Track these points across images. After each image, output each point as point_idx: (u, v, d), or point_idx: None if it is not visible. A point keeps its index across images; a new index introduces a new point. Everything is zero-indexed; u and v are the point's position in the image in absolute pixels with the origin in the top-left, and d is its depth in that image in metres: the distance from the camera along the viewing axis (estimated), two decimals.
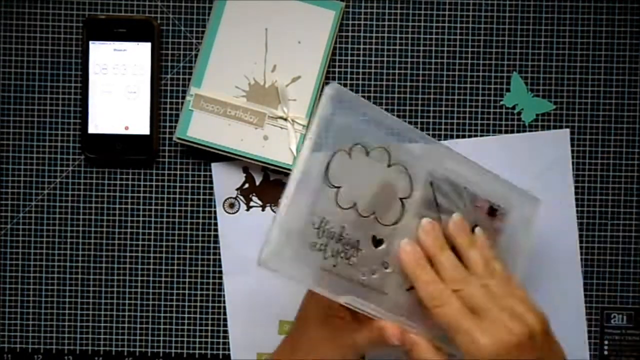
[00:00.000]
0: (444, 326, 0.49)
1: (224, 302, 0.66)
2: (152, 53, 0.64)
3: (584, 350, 0.65)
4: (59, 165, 0.66)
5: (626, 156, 0.66)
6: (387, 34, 0.66)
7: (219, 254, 0.66)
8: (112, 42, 0.64)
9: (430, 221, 0.52)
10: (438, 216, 0.53)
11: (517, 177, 0.65)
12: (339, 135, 0.50)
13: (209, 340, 0.66)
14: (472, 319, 0.48)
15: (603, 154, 0.66)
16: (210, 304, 0.66)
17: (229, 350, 0.66)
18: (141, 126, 0.65)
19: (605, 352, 0.66)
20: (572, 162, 0.66)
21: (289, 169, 0.64)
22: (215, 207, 0.66)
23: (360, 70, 0.66)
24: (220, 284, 0.66)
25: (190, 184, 0.66)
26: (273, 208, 0.66)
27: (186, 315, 0.66)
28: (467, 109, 0.66)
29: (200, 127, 0.64)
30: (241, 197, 0.66)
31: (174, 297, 0.66)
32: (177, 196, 0.66)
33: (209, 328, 0.66)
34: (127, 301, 0.66)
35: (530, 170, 0.65)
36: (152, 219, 0.66)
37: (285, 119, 0.64)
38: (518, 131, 0.66)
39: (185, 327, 0.66)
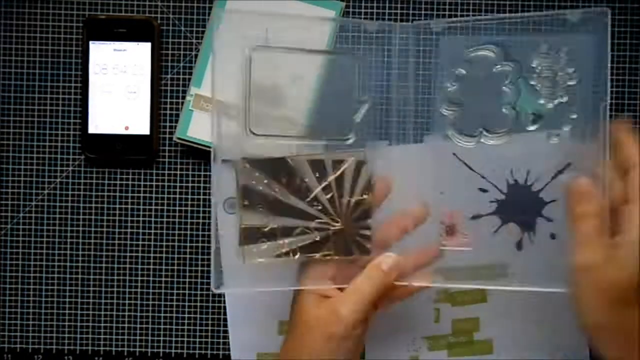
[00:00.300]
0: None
1: (224, 302, 0.66)
2: (152, 53, 0.64)
3: (584, 350, 0.65)
4: (59, 165, 0.66)
5: None
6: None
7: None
8: (112, 42, 0.64)
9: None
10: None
11: (517, 176, 0.65)
12: None
13: (209, 340, 0.66)
14: None
15: None
16: (210, 304, 0.66)
17: (229, 350, 0.66)
18: (141, 126, 0.65)
19: None
20: None
21: None
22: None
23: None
24: None
25: (190, 184, 0.66)
26: None
27: (186, 315, 0.66)
28: None
29: (200, 127, 0.64)
30: None
31: (174, 297, 0.66)
32: (177, 196, 0.66)
33: (209, 328, 0.66)
34: (127, 301, 0.66)
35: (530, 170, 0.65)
36: (152, 219, 0.66)
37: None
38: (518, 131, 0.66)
39: (185, 327, 0.66)
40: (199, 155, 0.65)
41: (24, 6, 0.66)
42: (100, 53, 0.64)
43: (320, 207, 0.54)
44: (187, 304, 0.66)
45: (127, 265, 0.66)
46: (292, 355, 0.53)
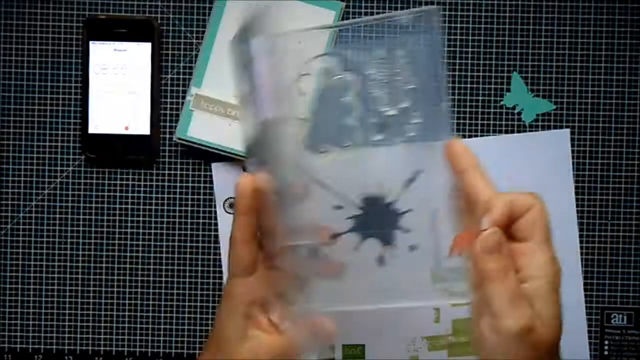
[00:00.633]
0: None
1: None
2: (152, 53, 0.64)
3: (584, 350, 0.65)
4: (59, 165, 0.66)
5: (626, 156, 0.66)
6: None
7: (219, 254, 0.66)
8: (112, 42, 0.64)
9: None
10: None
11: (517, 177, 0.65)
12: None
13: None
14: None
15: (603, 154, 0.66)
16: (210, 304, 0.66)
17: None
18: (141, 126, 0.65)
19: (606, 352, 0.66)
20: (572, 162, 0.66)
21: None
22: (215, 207, 0.66)
23: None
24: (220, 284, 0.66)
25: (190, 184, 0.66)
26: None
27: (186, 315, 0.66)
28: (467, 109, 0.66)
29: (200, 127, 0.64)
30: None
31: (174, 297, 0.66)
32: (177, 196, 0.66)
33: (209, 328, 0.66)
34: (127, 301, 0.66)
35: (530, 170, 0.65)
36: (152, 219, 0.66)
37: None
38: (518, 131, 0.66)
39: (185, 327, 0.66)
40: (199, 155, 0.65)
41: (24, 6, 0.66)
42: (100, 53, 0.64)
43: None
44: (187, 304, 0.66)
45: (127, 265, 0.66)
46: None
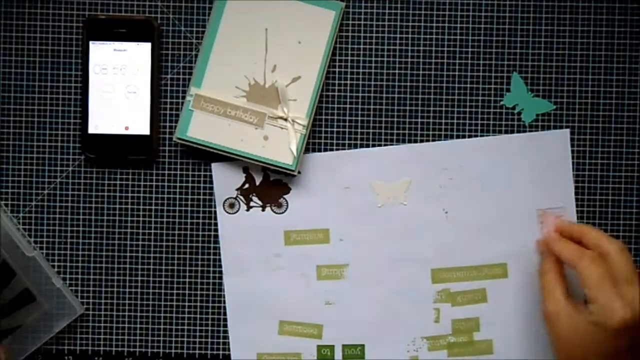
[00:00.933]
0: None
1: (224, 302, 0.66)
2: (152, 53, 0.64)
3: None
4: (59, 165, 0.66)
5: (626, 156, 0.66)
6: (387, 34, 0.66)
7: (219, 254, 0.66)
8: (112, 42, 0.64)
9: None
10: None
11: (517, 177, 0.65)
12: None
13: (209, 340, 0.66)
14: None
15: (603, 154, 0.66)
16: (210, 304, 0.66)
17: (229, 350, 0.66)
18: (141, 126, 0.65)
19: None
20: (572, 162, 0.66)
21: (289, 169, 0.64)
22: (215, 207, 0.66)
23: (360, 70, 0.66)
24: (220, 284, 0.66)
25: (190, 184, 0.66)
26: (273, 208, 0.66)
27: (186, 315, 0.66)
28: (467, 109, 0.66)
29: (200, 127, 0.64)
30: (241, 197, 0.66)
31: (174, 297, 0.66)
32: (177, 196, 0.66)
33: (209, 328, 0.66)
34: (127, 301, 0.66)
35: (530, 170, 0.65)
36: (152, 219, 0.66)
37: (286, 119, 0.64)
38: (518, 131, 0.66)
39: (185, 327, 0.66)
40: (199, 155, 0.65)
41: (24, 6, 0.66)
42: (100, 53, 0.64)
43: None
44: (187, 304, 0.66)
45: (127, 265, 0.66)
46: None
